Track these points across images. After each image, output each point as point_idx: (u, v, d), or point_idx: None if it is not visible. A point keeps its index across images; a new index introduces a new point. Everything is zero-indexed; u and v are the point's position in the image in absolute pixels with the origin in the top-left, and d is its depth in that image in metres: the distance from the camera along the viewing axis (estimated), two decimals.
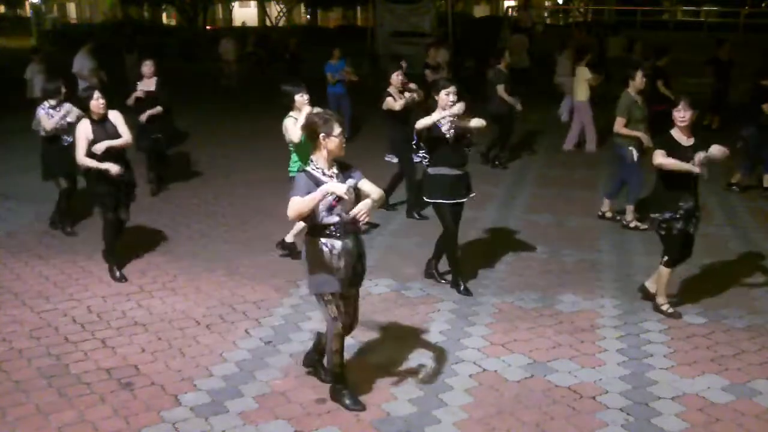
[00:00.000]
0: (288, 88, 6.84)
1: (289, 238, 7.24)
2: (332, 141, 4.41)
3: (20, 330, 5.73)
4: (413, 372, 5.08)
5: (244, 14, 53.84)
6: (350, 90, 13.41)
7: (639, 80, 8.05)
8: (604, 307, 6.22)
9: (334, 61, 13.65)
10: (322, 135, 4.39)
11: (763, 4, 35.76)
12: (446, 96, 6.22)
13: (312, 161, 4.47)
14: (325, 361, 4.84)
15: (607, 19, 29.21)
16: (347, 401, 4.63)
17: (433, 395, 4.80)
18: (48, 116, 7.77)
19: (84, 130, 6.60)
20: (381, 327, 5.80)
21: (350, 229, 4.46)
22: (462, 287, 6.44)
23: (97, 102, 6.63)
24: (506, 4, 48.05)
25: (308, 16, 53.08)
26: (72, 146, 7.79)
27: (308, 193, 4.31)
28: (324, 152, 4.43)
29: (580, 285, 6.70)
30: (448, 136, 6.28)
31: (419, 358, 5.30)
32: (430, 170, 6.39)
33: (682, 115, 5.81)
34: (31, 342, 5.53)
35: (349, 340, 5.57)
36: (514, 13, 30.28)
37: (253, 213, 8.98)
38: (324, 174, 4.43)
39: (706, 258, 7.33)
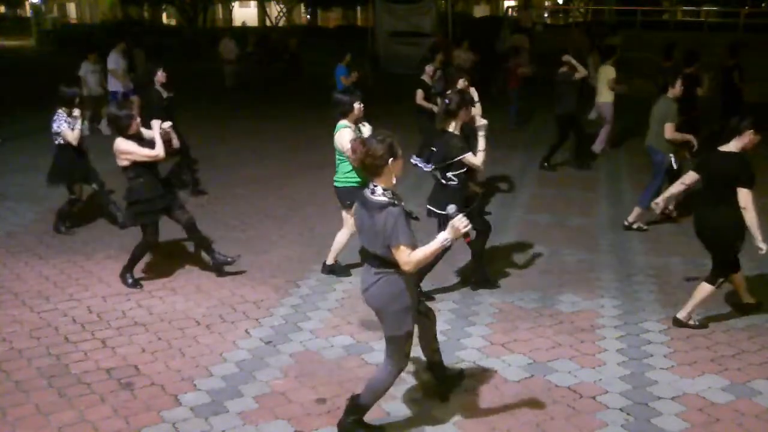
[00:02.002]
0: (343, 97, 6.59)
1: (330, 260, 6.96)
2: (399, 163, 4.06)
3: (20, 330, 5.73)
4: (414, 372, 5.09)
5: (244, 14, 53.87)
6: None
7: (678, 88, 8.07)
8: (604, 307, 6.22)
9: (345, 64, 13.51)
10: (391, 160, 4.00)
11: (763, 4, 35.75)
12: (476, 108, 6.47)
13: (383, 188, 4.02)
14: (366, 395, 4.33)
15: (608, 19, 29.18)
16: None
17: (433, 395, 4.79)
18: (70, 129, 7.76)
19: (130, 145, 6.37)
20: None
21: None
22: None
23: (136, 122, 6.45)
24: (506, 4, 48.10)
25: (308, 16, 53.12)
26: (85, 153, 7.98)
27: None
28: (392, 177, 4.05)
29: (580, 285, 6.71)
30: None
31: (419, 357, 5.29)
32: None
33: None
34: (31, 342, 5.53)
35: (348, 340, 5.59)
36: (514, 13, 30.29)
37: (253, 213, 8.99)
38: (400, 201, 4.05)
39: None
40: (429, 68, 10.99)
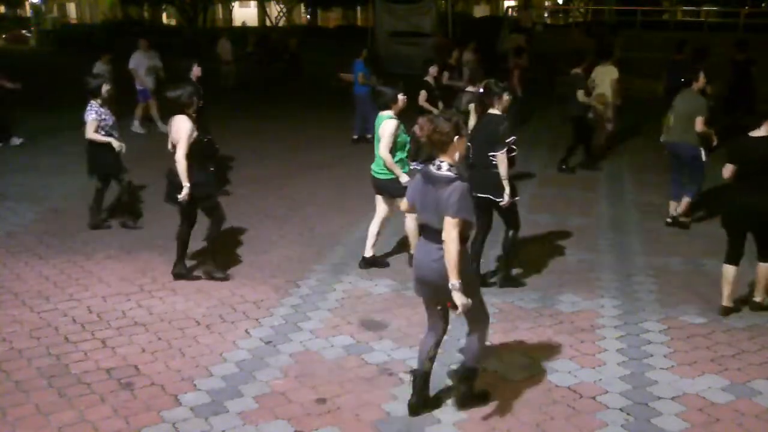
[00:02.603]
0: (387, 89, 6.70)
1: (368, 253, 7.05)
2: (463, 141, 4.29)
3: (20, 330, 5.73)
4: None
5: (244, 14, 53.92)
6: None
7: (702, 81, 8.16)
8: (604, 307, 6.22)
9: (362, 59, 13.36)
10: (456, 137, 4.23)
11: (763, 4, 35.76)
12: (508, 98, 6.50)
13: (448, 164, 4.23)
14: (471, 360, 4.62)
15: (608, 19, 29.20)
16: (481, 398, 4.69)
17: (433, 395, 4.80)
18: (97, 119, 7.75)
19: (189, 128, 6.40)
20: (381, 327, 5.81)
21: None
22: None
23: (193, 100, 6.51)
24: (506, 4, 48.13)
25: (308, 16, 53.14)
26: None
27: None
28: (455, 155, 4.28)
29: (580, 285, 6.70)
30: None
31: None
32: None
33: None
34: (31, 342, 5.53)
35: (348, 340, 5.59)
36: (514, 13, 30.30)
37: (253, 213, 8.98)
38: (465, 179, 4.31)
39: (705, 258, 7.34)
40: (432, 69, 10.97)
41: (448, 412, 4.60)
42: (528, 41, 19.19)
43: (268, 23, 46.48)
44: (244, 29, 36.32)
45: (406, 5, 24.17)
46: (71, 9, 62.41)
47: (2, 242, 7.81)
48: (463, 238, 4.18)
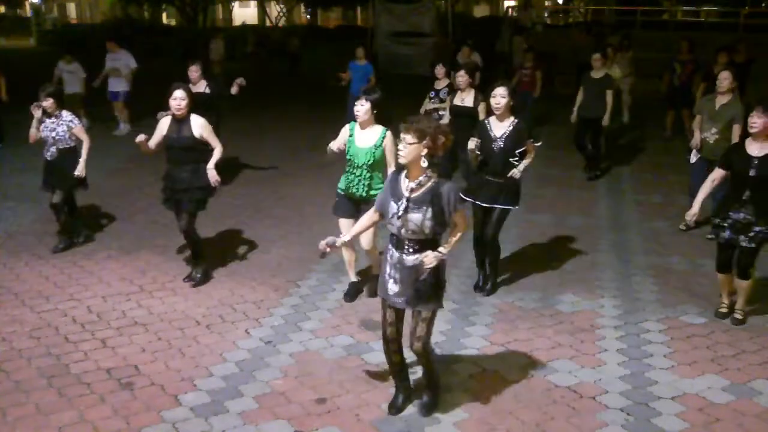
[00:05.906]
0: None
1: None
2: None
3: (20, 330, 5.73)
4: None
5: (244, 14, 53.89)
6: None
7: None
8: (604, 307, 6.22)
9: (360, 62, 12.82)
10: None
11: (763, 4, 35.75)
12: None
13: None
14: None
15: (608, 19, 29.17)
16: None
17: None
18: (36, 126, 7.23)
19: (162, 124, 6.50)
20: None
21: None
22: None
23: (174, 101, 6.32)
24: (506, 4, 48.10)
25: (308, 16, 53.12)
26: (58, 160, 7.28)
27: None
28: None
29: (580, 285, 6.71)
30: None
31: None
32: None
33: (753, 121, 5.63)
34: (31, 342, 5.53)
35: (348, 340, 5.60)
36: (514, 13, 30.28)
37: (253, 213, 8.98)
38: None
39: (705, 258, 7.34)
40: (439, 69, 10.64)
41: (448, 412, 4.60)
42: (528, 41, 19.17)
43: (268, 23, 46.43)
44: (244, 29, 36.28)
45: (406, 5, 24.14)
46: (71, 9, 62.38)
47: (2, 242, 7.81)
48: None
